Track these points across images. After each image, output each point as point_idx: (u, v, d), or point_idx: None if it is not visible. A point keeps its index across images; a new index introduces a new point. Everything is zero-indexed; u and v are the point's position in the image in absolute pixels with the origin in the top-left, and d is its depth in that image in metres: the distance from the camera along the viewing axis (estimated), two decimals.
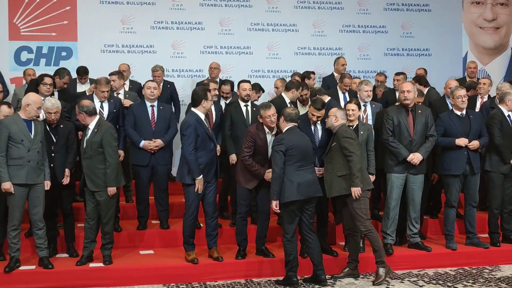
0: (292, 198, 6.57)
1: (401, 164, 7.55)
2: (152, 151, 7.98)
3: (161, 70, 10.08)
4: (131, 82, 10.02)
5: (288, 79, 9.96)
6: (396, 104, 7.99)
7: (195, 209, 7.12)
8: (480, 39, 13.00)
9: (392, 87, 10.15)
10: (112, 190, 7.04)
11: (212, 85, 8.76)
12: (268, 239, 7.60)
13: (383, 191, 8.21)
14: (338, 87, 9.62)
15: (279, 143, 6.62)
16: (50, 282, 6.81)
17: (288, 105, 8.27)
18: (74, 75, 9.85)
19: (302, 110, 8.01)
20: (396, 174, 7.58)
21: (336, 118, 7.04)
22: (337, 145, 6.91)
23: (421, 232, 8.01)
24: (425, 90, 9.27)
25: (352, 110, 7.43)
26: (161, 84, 9.98)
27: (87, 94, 8.70)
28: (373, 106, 8.40)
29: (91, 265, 7.08)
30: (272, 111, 7.02)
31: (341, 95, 9.43)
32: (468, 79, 11.02)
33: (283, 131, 6.79)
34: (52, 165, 7.16)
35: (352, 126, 7.46)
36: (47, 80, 7.97)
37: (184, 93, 11.09)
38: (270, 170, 6.95)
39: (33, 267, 6.96)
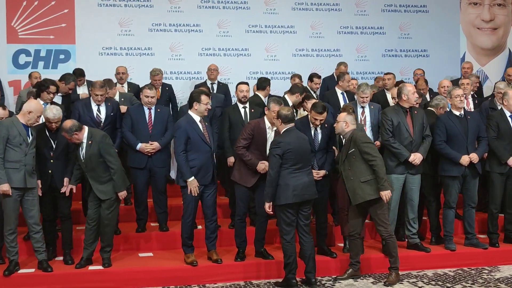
0: (288, 201, 6.56)
1: (401, 165, 7.56)
2: (149, 154, 7.97)
3: (161, 73, 10.09)
4: (129, 84, 10.02)
5: (286, 81, 10.04)
6: (392, 105, 8.03)
7: (192, 211, 7.12)
8: (477, 39, 13.02)
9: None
10: (123, 194, 7.11)
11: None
12: (267, 241, 7.59)
13: None
14: (336, 88, 9.62)
15: (276, 146, 6.59)
16: (50, 285, 6.80)
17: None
18: None
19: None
20: (396, 175, 7.58)
21: (347, 124, 7.00)
22: (356, 151, 6.87)
23: (420, 232, 8.02)
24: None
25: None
26: (160, 87, 9.98)
27: (83, 97, 8.73)
28: (372, 107, 8.38)
29: (90, 268, 7.07)
30: (276, 107, 7.07)
31: (340, 96, 9.42)
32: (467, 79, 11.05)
33: (281, 133, 6.76)
34: (50, 171, 7.15)
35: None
36: (52, 89, 7.92)
37: (183, 96, 11.09)
38: (263, 161, 7.01)
39: (32, 270, 6.95)
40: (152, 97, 8.05)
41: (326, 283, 7.06)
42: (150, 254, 7.74)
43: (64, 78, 9.04)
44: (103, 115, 8.02)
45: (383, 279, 7.18)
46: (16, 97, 10.19)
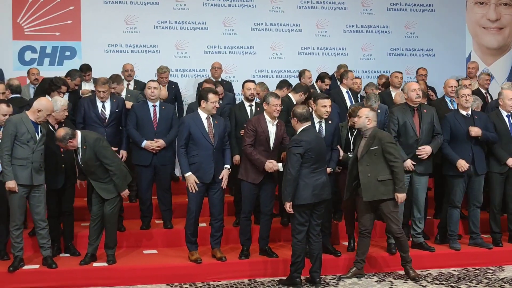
0: (307, 201, 6.54)
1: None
2: (154, 151, 7.98)
3: (168, 71, 10.09)
4: (135, 82, 10.04)
5: (291, 80, 10.01)
6: (401, 103, 8.00)
7: (195, 209, 7.12)
8: (483, 39, 13.00)
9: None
10: (125, 193, 7.15)
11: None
12: (271, 239, 7.60)
13: None
14: (341, 86, 9.61)
15: (297, 145, 6.51)
16: (54, 282, 6.81)
17: None
18: None
19: None
20: None
21: (369, 120, 6.99)
22: (379, 149, 6.86)
23: (424, 232, 8.02)
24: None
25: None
26: (166, 85, 9.99)
27: (84, 94, 8.80)
28: (379, 111, 8.29)
29: (95, 264, 7.08)
30: (280, 101, 7.13)
31: (345, 94, 9.41)
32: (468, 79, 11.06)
33: (298, 132, 6.71)
34: (63, 165, 7.21)
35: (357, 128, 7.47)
36: (63, 89, 7.96)
37: (187, 93, 11.11)
38: (271, 160, 7.01)
39: (37, 266, 6.96)
40: (155, 88, 8.06)
41: (330, 282, 7.06)
42: (155, 251, 7.76)
43: (70, 74, 9.08)
44: (107, 112, 8.03)
45: (387, 277, 7.19)
46: None
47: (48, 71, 10.17)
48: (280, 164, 7.08)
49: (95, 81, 8.11)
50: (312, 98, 7.95)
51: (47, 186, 7.05)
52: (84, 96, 8.68)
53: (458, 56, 12.74)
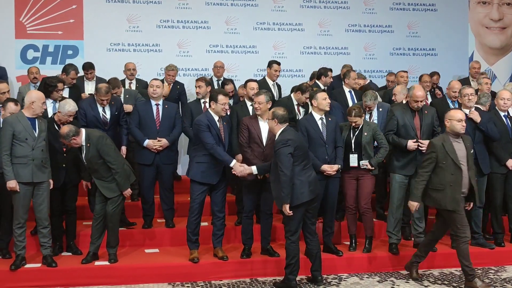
0: (304, 199, 6.47)
1: (406, 166, 7.56)
2: (156, 151, 7.98)
3: (176, 70, 10.07)
4: (137, 80, 10.04)
5: (294, 79, 10.06)
6: (401, 103, 8.03)
7: (197, 207, 7.13)
8: (486, 39, 12.98)
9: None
10: (127, 192, 7.15)
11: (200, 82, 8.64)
12: (272, 238, 7.61)
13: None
14: (344, 86, 9.61)
15: (285, 145, 6.41)
16: (56, 280, 6.83)
17: (295, 107, 8.35)
18: (80, 72, 9.89)
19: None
20: (399, 174, 7.58)
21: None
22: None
23: (426, 232, 8.00)
24: None
25: (355, 122, 7.45)
26: (171, 83, 9.99)
27: (83, 98, 8.79)
28: (380, 109, 8.30)
29: (97, 263, 7.10)
30: (261, 99, 7.14)
31: (348, 94, 9.39)
32: (471, 79, 11.07)
33: (278, 133, 6.62)
34: (64, 164, 7.22)
35: (358, 127, 7.46)
36: (60, 86, 7.96)
37: (189, 92, 11.09)
38: (242, 164, 7.03)
39: (39, 265, 6.98)
40: (157, 87, 8.06)
41: (332, 281, 7.06)
42: (156, 250, 7.76)
43: (65, 69, 9.09)
44: (108, 115, 8.03)
45: (389, 277, 7.20)
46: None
47: (50, 70, 10.17)
48: (254, 167, 6.97)
49: (97, 89, 8.03)
50: (309, 96, 7.97)
51: None
52: (83, 98, 8.69)
53: (460, 56, 12.72)
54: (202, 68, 11.48)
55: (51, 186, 7.00)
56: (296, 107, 8.59)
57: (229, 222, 8.06)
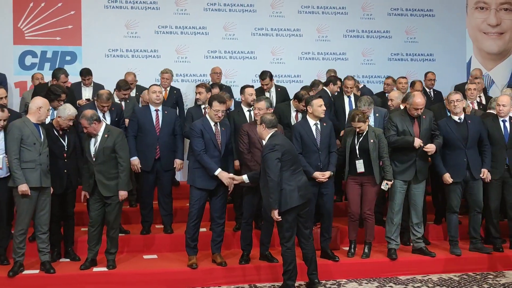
0: (294, 204, 6.44)
1: (405, 171, 7.57)
2: (138, 172, 8.00)
3: (171, 73, 10.09)
4: (137, 87, 10.05)
5: (292, 84, 10.06)
6: (399, 109, 8.04)
7: (196, 213, 7.11)
8: (484, 44, 12.99)
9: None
10: (124, 194, 7.09)
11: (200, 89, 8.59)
12: (271, 244, 7.59)
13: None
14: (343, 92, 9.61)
15: (273, 150, 6.40)
16: (54, 287, 6.81)
17: (293, 113, 8.33)
18: (78, 78, 9.90)
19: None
20: (398, 180, 7.58)
21: None
22: None
23: (425, 237, 8.01)
24: None
25: (359, 128, 7.44)
26: (168, 88, 10.00)
27: (81, 104, 8.76)
28: (377, 115, 8.29)
29: (95, 269, 7.08)
30: (261, 105, 7.17)
31: (346, 99, 9.38)
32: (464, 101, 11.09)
33: (267, 138, 6.62)
34: (65, 170, 7.19)
35: (362, 133, 7.45)
36: (63, 97, 7.80)
37: (188, 98, 11.11)
38: (231, 175, 7.04)
39: (37, 271, 6.96)
40: (159, 92, 8.09)
41: (330, 287, 7.05)
42: (155, 256, 7.75)
43: (54, 75, 9.05)
44: (108, 121, 7.97)
45: (387, 283, 7.19)
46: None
47: (48, 76, 10.10)
48: (245, 176, 6.99)
49: (98, 96, 8.01)
50: (304, 102, 7.97)
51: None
52: (82, 105, 8.68)
53: (458, 61, 12.73)
54: (200, 73, 11.48)
55: (51, 192, 7.00)
56: (294, 113, 8.58)
57: (228, 227, 8.05)
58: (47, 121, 7.26)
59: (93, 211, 7.13)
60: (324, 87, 9.55)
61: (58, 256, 7.39)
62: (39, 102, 6.94)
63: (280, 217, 6.44)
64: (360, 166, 7.42)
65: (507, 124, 7.93)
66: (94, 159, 7.02)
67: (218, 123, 7.12)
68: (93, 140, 7.03)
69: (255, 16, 11.86)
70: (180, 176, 9.92)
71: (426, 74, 11.18)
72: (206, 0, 11.65)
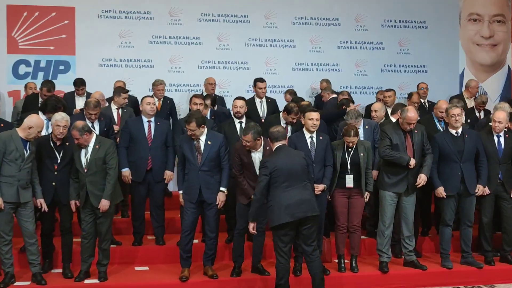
0: (280, 221, 6.36)
1: (397, 184, 7.59)
2: (129, 182, 8.04)
3: (164, 84, 10.10)
4: (129, 97, 10.00)
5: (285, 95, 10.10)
6: (390, 122, 8.08)
7: (187, 225, 7.12)
8: (477, 56, 13.02)
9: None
10: (106, 203, 6.96)
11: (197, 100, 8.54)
12: (263, 256, 7.59)
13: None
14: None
15: (263, 166, 6.51)
16: None
17: (283, 125, 8.29)
18: (71, 88, 9.89)
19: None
20: (390, 192, 7.59)
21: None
22: None
23: (416, 250, 8.02)
24: None
25: (352, 142, 7.42)
26: (161, 99, 10.00)
27: (73, 114, 8.68)
28: (367, 127, 8.31)
29: (86, 281, 7.05)
30: (248, 138, 6.92)
31: None
32: (467, 98, 11.15)
33: (273, 151, 6.70)
34: (53, 183, 7.12)
35: (352, 147, 7.45)
36: (61, 110, 7.65)
37: (181, 108, 11.10)
38: None
39: (28, 283, 6.92)
40: (154, 104, 8.09)
41: None
42: (146, 268, 7.72)
43: (41, 87, 9.16)
44: (97, 131, 7.96)
45: None
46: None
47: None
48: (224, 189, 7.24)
49: (86, 103, 8.02)
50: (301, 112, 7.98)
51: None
52: (74, 114, 8.65)
53: (451, 73, 12.75)
54: (194, 84, 11.47)
55: (43, 206, 6.97)
56: (284, 125, 8.55)
57: (219, 239, 8.04)
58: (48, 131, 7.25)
59: (85, 224, 7.09)
60: None
61: (49, 267, 7.36)
62: (32, 121, 6.82)
63: (254, 231, 6.60)
64: (349, 181, 7.41)
65: (502, 139, 7.94)
66: (85, 170, 6.98)
67: (200, 138, 7.13)
68: (83, 151, 7.00)
69: (249, 27, 11.86)
70: (172, 186, 9.90)
71: (418, 85, 11.21)
72: (200, 11, 11.64)
